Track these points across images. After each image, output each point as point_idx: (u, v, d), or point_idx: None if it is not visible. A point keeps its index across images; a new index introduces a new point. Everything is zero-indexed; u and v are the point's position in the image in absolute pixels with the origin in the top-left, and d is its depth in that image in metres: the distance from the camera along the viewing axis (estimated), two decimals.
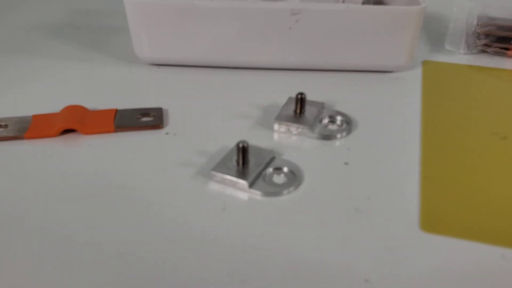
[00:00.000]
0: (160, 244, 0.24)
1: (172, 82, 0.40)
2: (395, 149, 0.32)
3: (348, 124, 0.34)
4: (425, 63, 0.43)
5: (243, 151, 0.28)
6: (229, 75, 0.41)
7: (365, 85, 0.40)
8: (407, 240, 0.25)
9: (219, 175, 0.28)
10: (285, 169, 0.29)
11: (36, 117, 0.34)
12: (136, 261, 0.23)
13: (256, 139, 0.31)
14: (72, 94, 0.38)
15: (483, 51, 0.45)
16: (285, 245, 0.24)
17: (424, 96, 0.38)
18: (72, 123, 0.33)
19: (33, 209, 0.27)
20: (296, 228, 0.25)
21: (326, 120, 0.34)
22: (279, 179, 0.29)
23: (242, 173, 0.28)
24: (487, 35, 0.45)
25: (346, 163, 0.30)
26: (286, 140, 0.33)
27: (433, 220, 0.26)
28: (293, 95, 0.34)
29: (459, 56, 0.45)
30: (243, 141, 0.28)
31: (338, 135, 0.33)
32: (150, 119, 0.34)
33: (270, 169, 0.29)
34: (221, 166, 0.29)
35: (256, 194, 0.28)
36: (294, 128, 0.33)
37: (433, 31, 0.50)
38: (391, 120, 0.35)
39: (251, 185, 0.28)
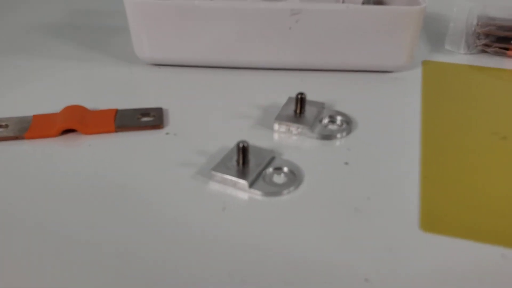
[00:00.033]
0: (160, 244, 0.24)
1: (172, 82, 0.40)
2: (395, 149, 0.32)
3: (348, 124, 0.34)
4: (425, 63, 0.43)
5: (243, 151, 0.28)
6: (229, 75, 0.41)
7: (365, 85, 0.40)
8: (407, 240, 0.25)
9: (219, 175, 0.28)
10: (285, 169, 0.29)
11: (37, 117, 0.34)
12: (136, 261, 0.23)
13: (256, 139, 0.31)
14: (72, 94, 0.39)
15: (483, 51, 0.45)
16: (285, 245, 0.24)
17: (424, 96, 0.38)
18: (72, 123, 0.33)
19: (33, 209, 0.27)
20: (296, 228, 0.25)
21: (326, 120, 0.34)
22: (279, 179, 0.29)
23: (242, 173, 0.28)
24: (487, 35, 0.45)
25: (346, 163, 0.30)
26: (286, 140, 0.33)
27: (433, 220, 0.26)
28: (293, 95, 0.34)
29: (459, 56, 0.45)
30: (243, 141, 0.28)
31: (338, 135, 0.33)
32: (150, 119, 0.34)
33: (270, 169, 0.29)
34: (221, 166, 0.29)
35: (256, 194, 0.28)
36: (294, 128, 0.33)
37: (433, 31, 0.50)
38: (391, 120, 0.35)
39: (251, 185, 0.28)
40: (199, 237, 0.25)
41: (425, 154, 0.31)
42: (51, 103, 0.36)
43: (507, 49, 0.44)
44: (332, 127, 0.34)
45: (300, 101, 0.33)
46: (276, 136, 0.33)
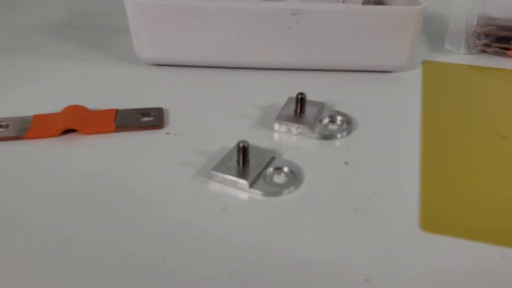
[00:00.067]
0: (160, 244, 0.24)
1: (172, 82, 0.40)
2: (395, 149, 0.32)
3: (348, 124, 0.34)
4: (425, 63, 0.43)
5: (243, 151, 0.28)
6: (229, 75, 0.41)
7: (365, 85, 0.40)
8: (407, 240, 0.25)
9: (220, 175, 0.28)
10: (286, 169, 0.29)
11: (37, 117, 0.34)
12: (136, 261, 0.23)
13: (256, 139, 0.31)
14: (72, 94, 0.39)
15: (483, 51, 0.45)
16: (285, 245, 0.24)
17: (424, 96, 0.38)
18: (72, 123, 0.33)
19: (33, 209, 0.27)
20: (296, 228, 0.25)
21: (326, 120, 0.34)
22: (279, 179, 0.29)
23: (242, 173, 0.28)
24: (487, 35, 0.45)
25: (346, 163, 0.30)
26: (286, 140, 0.33)
27: (433, 220, 0.26)
28: (293, 95, 0.34)
29: (459, 56, 0.45)
30: (243, 141, 0.28)
31: (338, 135, 0.33)
32: (151, 119, 0.34)
33: (270, 169, 0.29)
34: (221, 166, 0.29)
35: (257, 194, 0.28)
36: (294, 128, 0.33)
37: (433, 31, 0.50)
38: (391, 120, 0.35)
39: (251, 185, 0.28)
40: (199, 237, 0.25)
41: (425, 154, 0.31)
42: (51, 103, 0.36)
43: (507, 49, 0.44)
44: (332, 127, 0.34)
45: (300, 101, 0.33)
46: (276, 136, 0.33)
